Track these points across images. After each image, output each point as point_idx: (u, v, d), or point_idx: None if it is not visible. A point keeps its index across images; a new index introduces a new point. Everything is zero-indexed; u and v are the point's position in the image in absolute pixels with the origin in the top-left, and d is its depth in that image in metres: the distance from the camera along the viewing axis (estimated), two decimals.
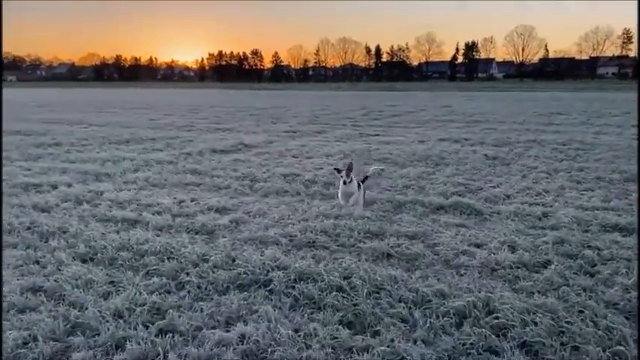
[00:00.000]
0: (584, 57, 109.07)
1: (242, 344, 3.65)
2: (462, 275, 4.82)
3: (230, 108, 29.24)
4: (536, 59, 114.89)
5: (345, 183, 6.70)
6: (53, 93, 54.66)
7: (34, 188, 8.58)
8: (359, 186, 6.93)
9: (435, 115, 22.92)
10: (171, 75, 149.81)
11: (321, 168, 10.26)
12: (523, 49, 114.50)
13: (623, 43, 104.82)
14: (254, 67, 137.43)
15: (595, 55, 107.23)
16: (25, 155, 12.10)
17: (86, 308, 4.14)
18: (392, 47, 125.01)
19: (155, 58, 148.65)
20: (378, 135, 15.80)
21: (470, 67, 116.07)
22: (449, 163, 10.60)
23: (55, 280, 4.68)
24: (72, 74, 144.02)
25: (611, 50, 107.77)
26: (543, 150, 12.06)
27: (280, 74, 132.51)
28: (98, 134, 16.18)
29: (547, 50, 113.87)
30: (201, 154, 12.25)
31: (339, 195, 6.95)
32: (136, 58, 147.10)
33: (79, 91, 60.40)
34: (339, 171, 6.86)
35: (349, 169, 6.69)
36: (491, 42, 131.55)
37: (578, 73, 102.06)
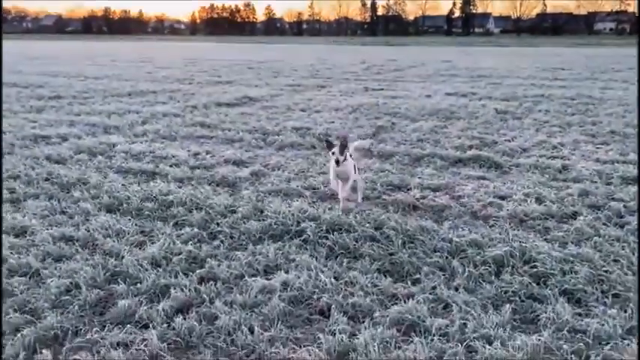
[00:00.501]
0: (583, 12, 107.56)
1: (286, 291, 3.66)
2: (492, 226, 4.83)
3: (227, 61, 28.70)
4: (533, 14, 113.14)
5: (337, 163, 5.05)
6: (42, 45, 53.32)
7: (44, 140, 8.45)
8: (355, 169, 5.38)
9: (437, 69, 22.64)
10: (162, 28, 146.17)
11: (332, 122, 10.17)
12: (520, 4, 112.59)
13: None
14: (246, 20, 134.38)
15: (593, 11, 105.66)
16: (27, 107, 11.88)
17: (122, 257, 4.13)
18: (388, 1, 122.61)
19: (143, 13, 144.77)
20: (382, 89, 15.61)
21: (466, 22, 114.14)
22: (460, 117, 10.52)
23: (85, 230, 4.65)
24: (59, 27, 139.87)
25: (610, 5, 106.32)
26: (552, 104, 11.99)
27: (273, 28, 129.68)
28: (98, 87, 15.87)
29: (545, 5, 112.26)
30: (207, 107, 12.07)
31: (330, 177, 5.33)
32: (125, 11, 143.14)
33: (68, 44, 58.94)
34: (330, 145, 5.21)
35: (343, 146, 5.11)
36: None
37: (575, 28, 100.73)
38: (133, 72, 21.39)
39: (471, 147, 7.79)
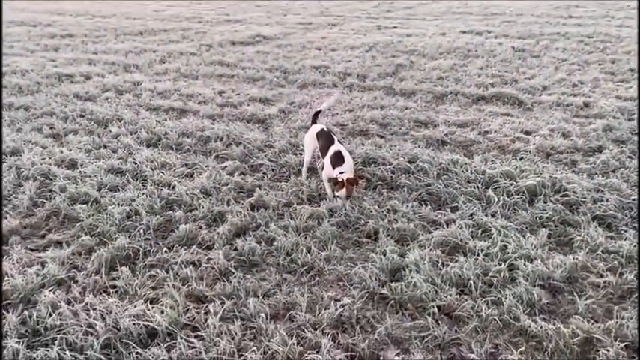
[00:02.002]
0: None
1: (333, 217, 3.90)
2: (521, 159, 5.02)
3: None
4: None
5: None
6: None
7: (68, 78, 8.53)
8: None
9: (449, 6, 22.12)
10: None
11: (350, 60, 10.15)
12: None
13: None
14: None
15: None
16: (42, 46, 11.82)
17: (174, 187, 4.35)
18: None
19: None
20: (396, 27, 15.38)
21: None
22: (478, 55, 10.48)
23: (134, 163, 4.86)
24: None
25: None
26: (569, 42, 11.88)
27: None
28: (108, 26, 15.65)
29: None
30: (222, 46, 12.00)
31: (324, 173, 4.34)
32: None
33: None
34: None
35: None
36: None
37: None
38: (139, 10, 20.97)
39: (492, 85, 7.87)
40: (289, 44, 12.28)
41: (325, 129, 4.53)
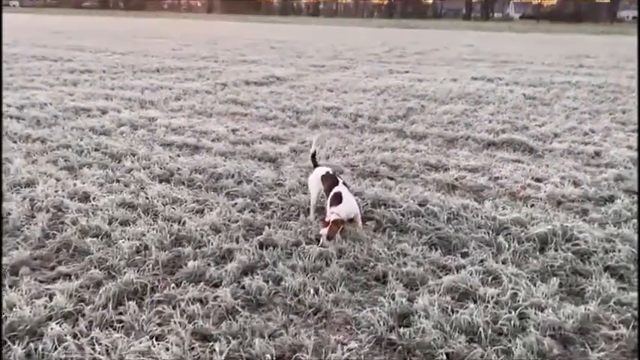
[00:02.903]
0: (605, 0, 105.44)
1: (342, 258, 3.89)
2: (532, 206, 5.01)
3: (248, 40, 28.74)
4: (554, 0, 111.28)
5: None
6: (62, 20, 53.51)
7: (85, 112, 8.71)
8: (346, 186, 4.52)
9: (460, 53, 22.56)
10: (178, 5, 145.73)
11: (361, 102, 10.30)
12: None
13: None
14: (262, 0, 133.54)
15: None
16: (62, 80, 12.13)
17: (184, 223, 4.38)
18: None
19: None
20: (407, 72, 15.67)
21: (486, 6, 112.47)
22: (489, 101, 10.61)
23: (145, 197, 4.90)
24: (76, 1, 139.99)
25: None
26: (580, 91, 12.01)
27: (290, 7, 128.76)
28: (126, 62, 16.07)
29: None
30: (236, 85, 12.25)
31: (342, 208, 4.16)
32: None
33: (87, 20, 59.10)
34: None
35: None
36: None
37: (597, 16, 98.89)
38: (157, 48, 21.55)
39: (503, 131, 7.92)
40: (302, 85, 12.52)
41: (330, 172, 4.59)
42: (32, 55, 17.10)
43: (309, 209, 4.72)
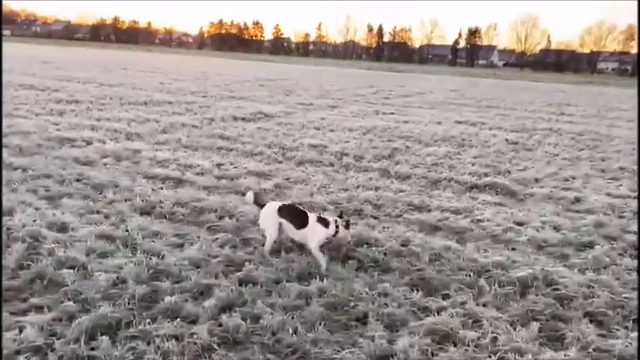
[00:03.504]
0: (586, 50, 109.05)
1: (322, 297, 3.84)
2: (513, 249, 5.03)
3: (238, 77, 29.10)
4: (537, 50, 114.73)
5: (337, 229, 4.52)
6: (53, 50, 53.78)
7: (69, 142, 8.65)
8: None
9: (445, 97, 23.03)
10: (169, 41, 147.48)
11: (347, 141, 10.40)
12: (526, 38, 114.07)
13: (626, 39, 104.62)
14: (254, 38, 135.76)
15: (597, 50, 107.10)
16: (48, 110, 12.10)
17: (163, 257, 4.31)
18: (394, 28, 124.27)
19: (152, 24, 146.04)
20: (393, 114, 15.91)
21: (471, 53, 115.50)
22: (472, 145, 10.78)
23: (124, 230, 4.83)
24: (68, 32, 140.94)
25: (613, 46, 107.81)
26: (561, 138, 12.28)
27: (280, 47, 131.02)
28: (114, 94, 16.12)
29: (549, 41, 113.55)
30: (224, 120, 12.31)
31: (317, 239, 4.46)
32: (134, 21, 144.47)
33: (77, 50, 59.51)
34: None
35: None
36: (495, 29, 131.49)
37: (578, 66, 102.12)
38: (146, 81, 21.69)
39: (485, 174, 8.03)
40: (289, 122, 12.63)
41: (286, 203, 4.73)
42: (20, 84, 17.09)
43: (290, 247, 4.68)
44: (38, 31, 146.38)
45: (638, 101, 7.86)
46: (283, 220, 4.54)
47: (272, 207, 4.62)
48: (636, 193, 7.31)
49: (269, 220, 4.57)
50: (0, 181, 5.15)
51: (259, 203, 4.77)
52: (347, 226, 4.58)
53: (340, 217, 4.67)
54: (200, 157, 8.26)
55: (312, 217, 4.54)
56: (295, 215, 4.55)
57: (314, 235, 4.45)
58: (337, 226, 4.50)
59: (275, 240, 4.59)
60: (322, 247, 4.50)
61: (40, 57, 37.12)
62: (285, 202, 4.78)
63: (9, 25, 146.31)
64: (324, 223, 4.51)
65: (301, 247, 4.62)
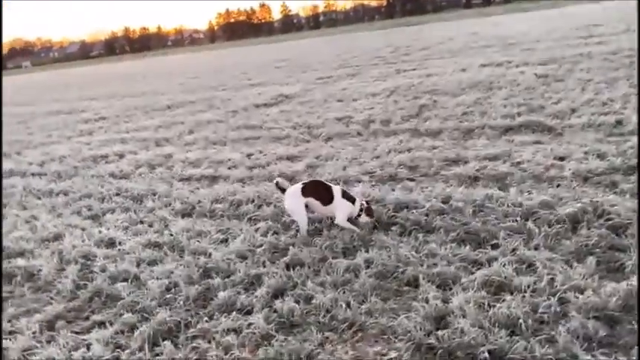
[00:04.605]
0: None
1: (370, 268, 3.83)
2: (558, 186, 4.88)
3: (253, 63, 29.04)
4: None
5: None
6: (72, 72, 55.00)
7: (102, 159, 8.85)
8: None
9: (466, 42, 22.33)
10: (181, 40, 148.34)
11: (372, 107, 10.25)
12: None
13: None
14: (263, 21, 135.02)
15: None
16: (78, 132, 12.39)
17: (210, 254, 4.38)
18: None
19: (162, 27, 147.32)
20: (415, 69, 15.56)
21: None
22: (500, 86, 10.45)
23: (169, 235, 4.93)
24: (84, 52, 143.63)
25: None
26: (593, 62, 11.75)
27: (290, 25, 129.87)
28: (137, 104, 16.37)
29: None
30: (246, 110, 12.33)
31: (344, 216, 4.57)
32: (144, 28, 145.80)
33: (96, 68, 60.61)
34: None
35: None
36: None
37: None
38: (166, 85, 21.91)
39: (519, 114, 7.79)
40: (311, 100, 12.54)
41: (309, 182, 4.75)
42: (48, 112, 17.56)
43: (331, 223, 4.68)
44: (56, 56, 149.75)
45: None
46: (309, 199, 4.56)
47: (295, 189, 4.62)
48: None
49: (295, 203, 4.58)
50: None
51: (281, 188, 4.77)
52: (369, 214, 4.57)
53: (368, 203, 4.65)
54: (230, 150, 8.32)
55: (337, 191, 4.57)
56: (320, 192, 4.58)
57: (340, 209, 4.50)
58: (361, 209, 4.53)
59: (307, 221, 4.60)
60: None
61: (61, 81, 38.05)
62: (307, 181, 4.81)
63: (27, 55, 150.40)
64: (350, 198, 4.57)
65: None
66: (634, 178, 4.81)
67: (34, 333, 3.57)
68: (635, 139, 5.84)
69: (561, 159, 5.66)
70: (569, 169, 5.24)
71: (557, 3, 58.82)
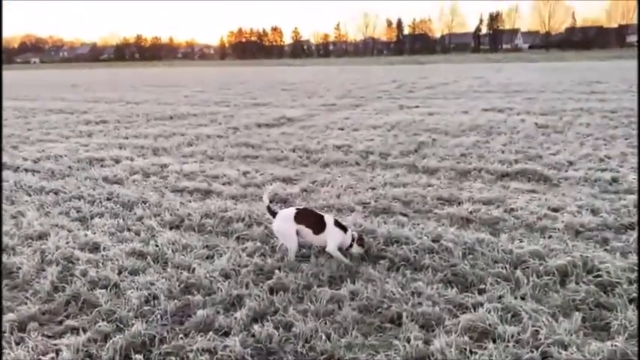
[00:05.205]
0: (613, 25, 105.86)
1: (354, 300, 3.77)
2: (549, 237, 4.86)
3: (260, 84, 29.28)
4: (562, 29, 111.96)
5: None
6: (80, 73, 55.26)
7: (98, 162, 8.79)
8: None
9: (470, 86, 22.65)
10: (192, 53, 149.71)
11: (372, 139, 10.29)
12: (549, 19, 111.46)
13: None
14: (274, 43, 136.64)
15: (624, 23, 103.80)
16: (77, 132, 12.36)
17: (194, 270, 4.32)
18: (414, 20, 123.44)
19: (173, 39, 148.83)
20: (418, 107, 15.71)
21: (494, 38, 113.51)
22: (500, 132, 10.54)
23: (154, 245, 4.87)
24: (94, 55, 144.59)
25: None
26: (593, 118, 11.90)
27: (300, 50, 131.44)
28: (140, 111, 16.39)
29: (574, 19, 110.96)
30: (248, 128, 12.37)
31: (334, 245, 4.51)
32: (156, 38, 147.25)
33: (104, 72, 60.93)
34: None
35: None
36: (516, 11, 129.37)
37: (606, 41, 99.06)
38: (171, 96, 22.01)
39: (516, 161, 7.82)
40: (313, 125, 12.60)
41: (300, 208, 4.77)
42: (49, 109, 17.56)
43: (319, 250, 4.63)
44: (66, 56, 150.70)
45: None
46: (301, 226, 4.51)
47: (288, 214, 4.58)
48: None
49: (286, 228, 4.53)
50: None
51: (272, 212, 4.71)
52: (361, 244, 4.56)
53: (360, 238, 4.61)
54: (226, 166, 8.30)
55: (329, 220, 4.55)
56: (312, 220, 4.54)
57: (332, 238, 4.46)
58: (353, 240, 4.52)
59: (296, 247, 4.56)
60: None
61: (67, 81, 38.18)
62: (299, 207, 4.79)
63: (37, 52, 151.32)
64: (342, 227, 4.55)
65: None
66: (625, 237, 4.80)
67: (3, 332, 3.47)
68: (630, 197, 5.86)
69: (555, 210, 5.66)
70: (562, 222, 5.23)
71: (565, 56, 59.93)
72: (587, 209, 5.57)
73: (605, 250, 4.54)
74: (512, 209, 5.75)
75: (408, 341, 3.23)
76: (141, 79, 39.76)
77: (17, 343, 3.35)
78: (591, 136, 9.70)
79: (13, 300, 3.98)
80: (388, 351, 3.17)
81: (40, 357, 3.16)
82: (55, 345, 3.32)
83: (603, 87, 19.43)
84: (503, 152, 8.59)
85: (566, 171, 7.27)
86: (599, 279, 3.94)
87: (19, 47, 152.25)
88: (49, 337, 3.45)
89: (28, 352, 3.22)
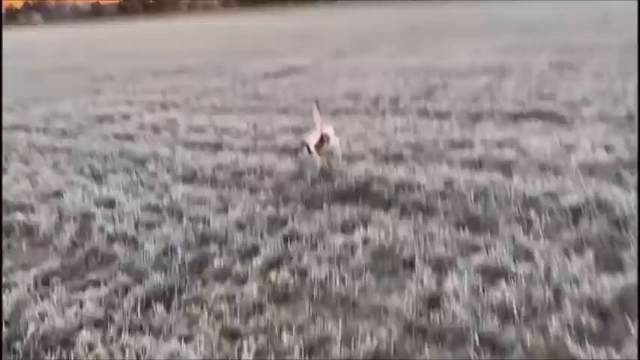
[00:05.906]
0: None
1: (367, 245, 3.82)
2: (563, 176, 4.82)
3: (265, 32, 28.71)
4: None
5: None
6: (83, 31, 54.57)
7: (108, 119, 8.81)
8: None
9: (483, 24, 22.02)
10: (195, 5, 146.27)
11: (382, 85, 10.13)
12: None
13: None
14: None
15: None
16: (85, 89, 12.34)
17: (209, 221, 4.38)
18: None
19: None
20: (429, 49, 15.34)
21: None
22: (512, 71, 10.30)
23: (169, 199, 4.93)
24: (96, 10, 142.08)
25: None
26: (609, 52, 11.55)
27: None
28: (147, 66, 16.25)
29: None
30: (256, 79, 12.22)
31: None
32: None
33: (107, 28, 60.09)
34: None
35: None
36: None
37: None
38: (178, 49, 21.73)
39: (529, 101, 7.68)
40: (321, 73, 12.41)
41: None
42: (55, 67, 17.47)
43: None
44: (68, 12, 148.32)
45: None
46: None
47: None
48: None
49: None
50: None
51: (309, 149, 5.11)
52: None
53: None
54: (236, 119, 8.26)
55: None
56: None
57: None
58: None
59: None
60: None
61: (71, 39, 37.78)
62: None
63: (41, 11, 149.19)
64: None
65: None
66: None
67: (28, 287, 3.59)
68: None
69: (569, 149, 5.59)
70: (576, 160, 5.17)
71: None
72: (601, 147, 5.49)
73: (618, 186, 4.50)
74: (525, 150, 5.68)
75: (421, 282, 3.28)
76: (145, 33, 39.19)
77: (42, 297, 3.47)
78: (606, 72, 9.44)
79: (35, 256, 4.09)
80: (402, 292, 3.22)
81: (65, 309, 3.27)
82: (79, 298, 3.42)
83: (619, 19, 18.74)
84: (516, 92, 8.41)
85: (581, 109, 7.13)
86: (612, 215, 3.92)
87: (23, 7, 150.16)
88: (72, 290, 3.56)
89: (53, 305, 3.33)
